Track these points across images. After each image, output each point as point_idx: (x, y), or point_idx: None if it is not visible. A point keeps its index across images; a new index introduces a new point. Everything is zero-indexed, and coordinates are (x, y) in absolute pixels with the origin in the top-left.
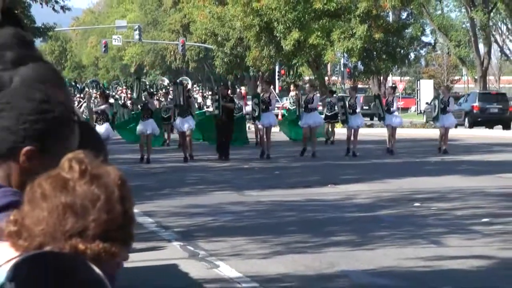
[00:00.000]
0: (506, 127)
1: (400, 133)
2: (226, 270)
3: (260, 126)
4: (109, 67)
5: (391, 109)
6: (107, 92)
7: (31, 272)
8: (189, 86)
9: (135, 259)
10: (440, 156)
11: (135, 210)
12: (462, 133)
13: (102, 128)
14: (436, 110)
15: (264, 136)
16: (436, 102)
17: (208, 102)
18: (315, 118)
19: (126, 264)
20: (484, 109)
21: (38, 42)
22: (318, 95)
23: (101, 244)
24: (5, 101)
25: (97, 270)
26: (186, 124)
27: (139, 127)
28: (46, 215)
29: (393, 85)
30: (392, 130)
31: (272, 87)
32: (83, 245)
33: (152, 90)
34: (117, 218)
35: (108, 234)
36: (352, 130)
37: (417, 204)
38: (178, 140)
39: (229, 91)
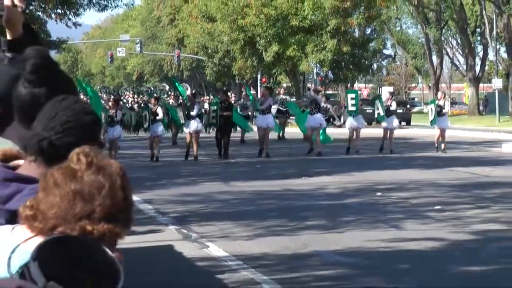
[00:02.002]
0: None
1: (363, 132)
2: (214, 250)
3: (259, 127)
4: (114, 75)
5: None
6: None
7: (53, 252)
8: (188, 91)
9: (137, 241)
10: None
11: (137, 198)
12: (415, 133)
13: (116, 129)
14: (433, 114)
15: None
16: (433, 106)
17: (206, 105)
18: (317, 121)
19: (128, 245)
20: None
21: (53, 54)
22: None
23: (106, 225)
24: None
25: (109, 252)
26: (194, 125)
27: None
28: (58, 201)
29: (391, 91)
30: (390, 132)
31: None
32: (90, 226)
33: (156, 95)
34: (119, 203)
35: (111, 217)
36: (354, 131)
37: (379, 193)
38: (172, 138)
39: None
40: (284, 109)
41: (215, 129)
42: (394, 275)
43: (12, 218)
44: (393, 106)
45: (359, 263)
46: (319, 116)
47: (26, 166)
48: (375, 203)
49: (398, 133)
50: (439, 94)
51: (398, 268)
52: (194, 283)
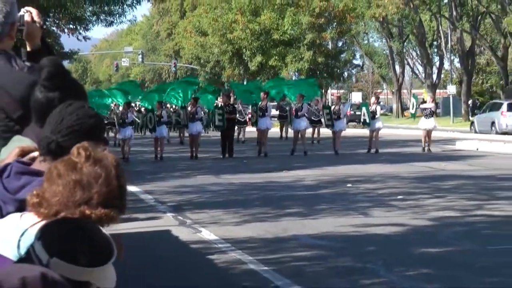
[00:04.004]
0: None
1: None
2: (206, 234)
3: (259, 128)
4: (119, 82)
5: (375, 116)
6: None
7: (54, 231)
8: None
9: (139, 226)
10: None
11: (139, 189)
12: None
13: (127, 130)
14: (414, 107)
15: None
16: (414, 101)
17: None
18: (303, 124)
19: (132, 230)
20: (354, 114)
21: (66, 63)
22: (306, 104)
23: (103, 210)
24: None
25: (104, 231)
26: (195, 128)
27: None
28: (61, 189)
29: (377, 96)
30: (376, 132)
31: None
32: (89, 211)
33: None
34: (114, 190)
35: (107, 202)
36: (336, 133)
37: (349, 185)
38: (180, 138)
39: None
40: (284, 114)
41: (220, 131)
42: (362, 256)
43: (21, 206)
44: (378, 110)
45: (332, 246)
46: (304, 119)
47: (37, 164)
48: (346, 193)
49: (361, 132)
50: (428, 97)
51: (365, 250)
52: (189, 263)
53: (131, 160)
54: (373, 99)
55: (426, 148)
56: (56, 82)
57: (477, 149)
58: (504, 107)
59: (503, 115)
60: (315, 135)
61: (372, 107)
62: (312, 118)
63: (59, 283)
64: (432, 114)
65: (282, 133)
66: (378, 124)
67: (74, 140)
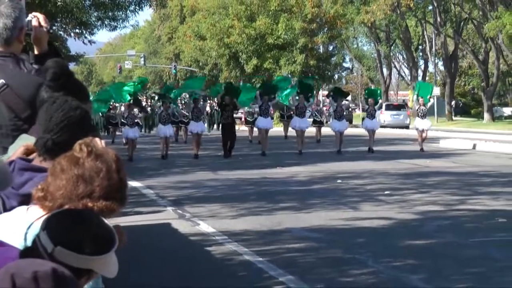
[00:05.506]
0: (350, 122)
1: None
2: (205, 227)
3: (260, 128)
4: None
5: (374, 116)
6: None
7: (58, 222)
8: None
9: (141, 219)
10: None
11: (141, 184)
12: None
13: (134, 130)
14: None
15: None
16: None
17: (208, 108)
18: (304, 123)
19: (134, 223)
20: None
21: (72, 66)
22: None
23: (104, 202)
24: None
25: (107, 222)
26: (198, 127)
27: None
28: (64, 183)
29: (372, 99)
30: (372, 132)
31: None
32: (91, 204)
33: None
34: (115, 184)
35: (108, 195)
36: (339, 133)
37: (339, 181)
38: (183, 136)
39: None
40: (285, 114)
41: (221, 130)
42: (351, 248)
43: (24, 200)
44: (376, 111)
45: (323, 238)
46: (305, 119)
47: (37, 162)
48: (336, 188)
49: (352, 131)
50: (420, 100)
51: (355, 242)
52: (188, 254)
53: (134, 157)
54: (370, 100)
55: (421, 148)
56: (60, 83)
57: (461, 148)
58: (383, 107)
59: (382, 113)
60: (318, 135)
61: (338, 109)
62: (315, 118)
63: (69, 278)
64: (425, 114)
65: (286, 133)
66: (376, 124)
67: (66, 134)
